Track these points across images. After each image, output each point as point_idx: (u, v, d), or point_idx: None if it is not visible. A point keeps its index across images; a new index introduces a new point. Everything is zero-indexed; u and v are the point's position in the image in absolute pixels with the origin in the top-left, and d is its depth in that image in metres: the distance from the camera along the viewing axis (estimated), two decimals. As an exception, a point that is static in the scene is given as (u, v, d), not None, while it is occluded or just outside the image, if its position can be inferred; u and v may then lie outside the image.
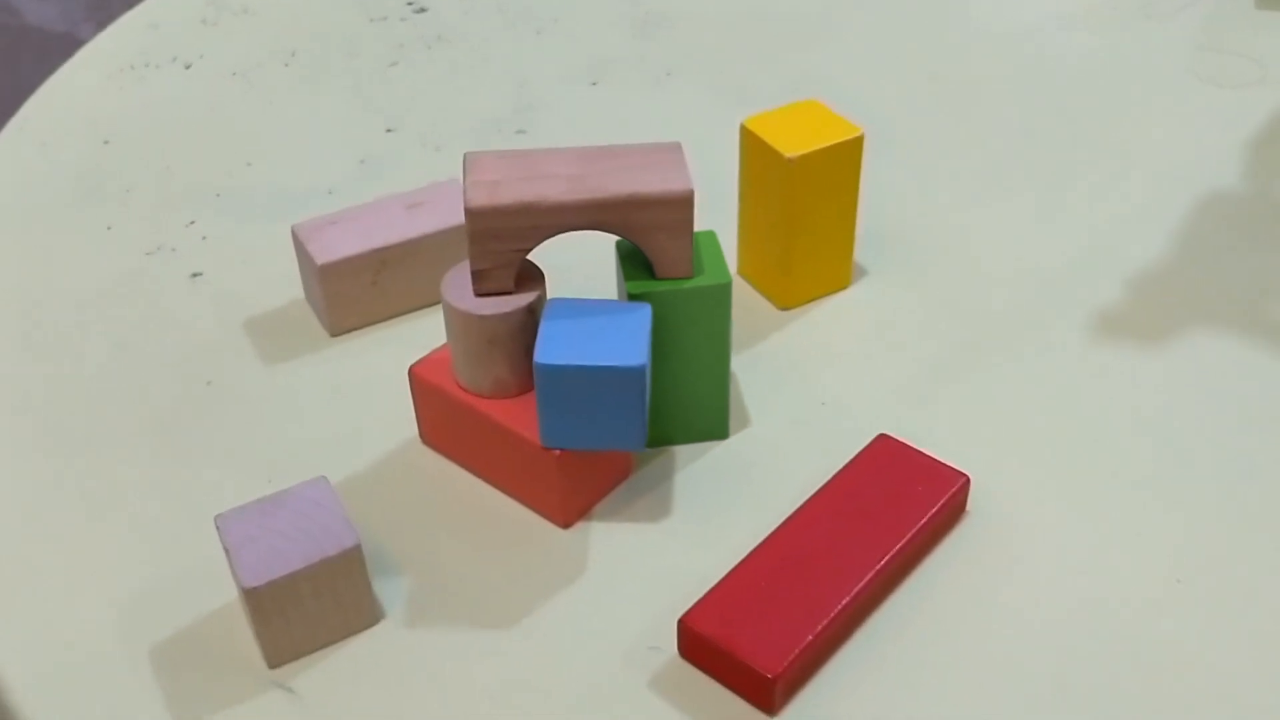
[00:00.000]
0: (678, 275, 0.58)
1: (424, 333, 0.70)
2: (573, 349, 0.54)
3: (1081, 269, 0.74)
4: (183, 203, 0.81)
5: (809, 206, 0.67)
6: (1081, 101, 0.88)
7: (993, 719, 0.51)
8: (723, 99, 0.89)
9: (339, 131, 0.87)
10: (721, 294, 0.59)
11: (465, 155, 0.57)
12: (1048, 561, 0.57)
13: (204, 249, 0.77)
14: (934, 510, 0.57)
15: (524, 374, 0.58)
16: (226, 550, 0.52)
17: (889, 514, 0.56)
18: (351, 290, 0.69)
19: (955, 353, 0.68)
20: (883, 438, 0.60)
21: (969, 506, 0.59)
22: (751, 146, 0.68)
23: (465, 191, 0.55)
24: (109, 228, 0.79)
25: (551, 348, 0.54)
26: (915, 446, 0.60)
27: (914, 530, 0.56)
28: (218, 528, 0.53)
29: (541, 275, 0.58)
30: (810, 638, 0.52)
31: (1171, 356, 0.67)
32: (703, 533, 0.59)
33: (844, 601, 0.53)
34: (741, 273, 0.73)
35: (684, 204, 0.56)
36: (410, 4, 1.02)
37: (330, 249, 0.68)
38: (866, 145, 0.68)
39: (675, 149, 0.58)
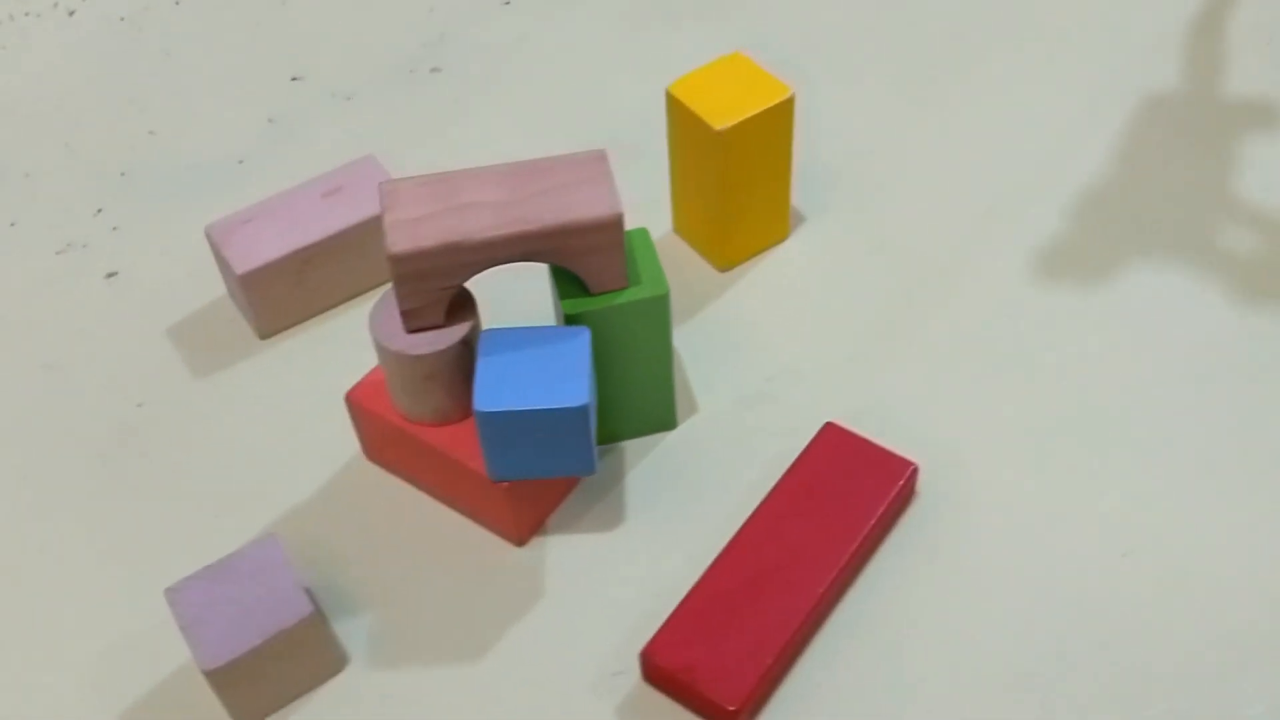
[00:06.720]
0: (613, 289, 0.56)
1: (357, 326, 0.68)
2: (512, 391, 0.53)
3: (1022, 193, 0.72)
4: (88, 186, 0.77)
5: (743, 174, 0.65)
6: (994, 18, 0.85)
7: (961, 710, 0.53)
8: (638, 12, 0.85)
9: (243, 84, 0.83)
10: (659, 304, 0.57)
11: (380, 185, 0.55)
12: (1003, 534, 0.58)
13: (116, 243, 0.74)
14: (884, 506, 0.57)
15: (466, 401, 0.57)
16: (181, 628, 0.52)
17: (840, 515, 0.57)
18: (277, 293, 0.67)
19: (897, 307, 0.68)
20: (830, 427, 0.60)
21: (919, 485, 0.60)
22: (679, 114, 0.65)
23: (385, 233, 0.53)
24: (13, 224, 0.75)
25: (490, 392, 0.53)
26: (861, 435, 0.60)
27: (865, 531, 0.56)
28: (169, 603, 0.52)
29: (473, 302, 0.56)
30: (769, 662, 0.52)
31: (1117, 292, 0.67)
32: (658, 538, 0.59)
33: (800, 620, 0.54)
34: (677, 231, 0.72)
35: (614, 227, 0.54)
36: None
37: (249, 254, 0.66)
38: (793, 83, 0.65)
39: (600, 159, 0.55)
